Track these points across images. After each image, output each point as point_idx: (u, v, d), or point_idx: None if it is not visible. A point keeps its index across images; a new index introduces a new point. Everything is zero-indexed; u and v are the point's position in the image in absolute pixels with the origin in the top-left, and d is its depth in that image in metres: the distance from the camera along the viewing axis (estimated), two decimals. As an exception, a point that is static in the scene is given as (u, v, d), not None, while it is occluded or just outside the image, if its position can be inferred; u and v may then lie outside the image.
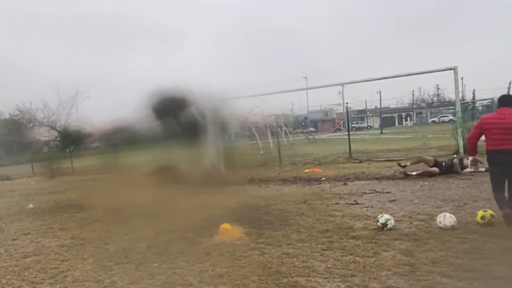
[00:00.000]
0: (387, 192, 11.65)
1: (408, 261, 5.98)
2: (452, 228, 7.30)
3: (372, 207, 9.86)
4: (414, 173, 14.12)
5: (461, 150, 16.65)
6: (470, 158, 8.38)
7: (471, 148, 8.16)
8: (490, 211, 7.48)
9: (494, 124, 7.48)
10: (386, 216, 7.91)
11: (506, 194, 7.55)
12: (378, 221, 7.85)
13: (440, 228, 7.41)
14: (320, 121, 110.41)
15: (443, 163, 14.02)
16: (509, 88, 71.61)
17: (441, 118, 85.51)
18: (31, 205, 14.20)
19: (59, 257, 7.74)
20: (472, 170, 13.96)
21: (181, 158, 14.11)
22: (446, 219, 7.45)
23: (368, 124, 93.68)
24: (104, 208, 12.05)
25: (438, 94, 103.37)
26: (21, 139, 53.14)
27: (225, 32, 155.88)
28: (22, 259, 7.78)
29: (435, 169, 13.82)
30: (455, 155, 17.67)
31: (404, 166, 14.73)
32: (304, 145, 40.90)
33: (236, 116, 50.85)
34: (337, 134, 64.93)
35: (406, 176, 14.11)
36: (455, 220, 7.44)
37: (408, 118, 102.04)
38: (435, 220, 7.75)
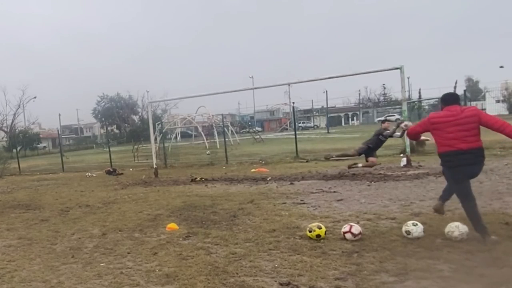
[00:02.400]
0: (334, 192, 11.68)
1: (355, 260, 5.95)
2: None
3: (319, 207, 9.85)
4: (360, 165, 14.36)
5: (408, 149, 16.85)
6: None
7: (414, 137, 7.60)
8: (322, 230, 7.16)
9: (448, 122, 6.44)
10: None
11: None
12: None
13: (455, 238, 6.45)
14: (266, 120, 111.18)
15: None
16: (455, 87, 73.58)
17: (387, 117, 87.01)
18: (-23, 206, 13.76)
19: (6, 257, 7.65)
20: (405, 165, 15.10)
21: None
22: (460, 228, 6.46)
23: (315, 124, 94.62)
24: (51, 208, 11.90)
25: (384, 94, 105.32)
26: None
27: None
28: (-32, 260, 7.56)
29: (373, 160, 14.13)
30: (401, 154, 17.96)
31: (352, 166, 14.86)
32: (251, 145, 41.03)
33: (182, 116, 50.83)
34: (283, 133, 65.38)
35: (350, 168, 14.50)
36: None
37: (355, 118, 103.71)
38: (384, 219, 7.81)
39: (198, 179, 16.70)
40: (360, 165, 14.48)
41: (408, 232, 6.75)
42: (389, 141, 14.29)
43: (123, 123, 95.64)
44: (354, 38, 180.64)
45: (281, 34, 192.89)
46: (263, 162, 22.22)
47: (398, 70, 16.09)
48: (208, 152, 31.47)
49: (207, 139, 43.54)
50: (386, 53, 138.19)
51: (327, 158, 15.57)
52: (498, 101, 65.54)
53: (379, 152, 14.93)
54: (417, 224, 6.83)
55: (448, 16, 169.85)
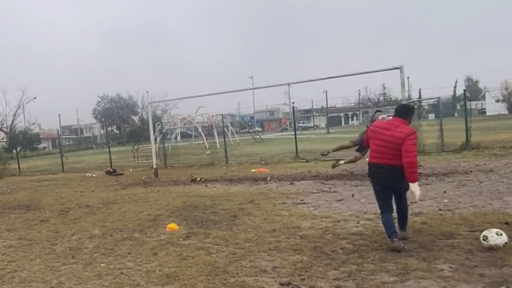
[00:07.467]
0: (334, 192, 11.67)
1: (355, 260, 5.95)
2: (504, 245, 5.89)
3: (319, 207, 9.84)
4: (342, 161, 13.77)
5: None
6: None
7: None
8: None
9: (377, 134, 6.62)
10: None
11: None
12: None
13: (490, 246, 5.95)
14: (266, 120, 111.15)
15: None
16: (455, 87, 73.43)
17: (387, 117, 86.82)
18: (-23, 207, 13.75)
19: (6, 258, 7.64)
20: None
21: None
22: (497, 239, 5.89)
23: (315, 124, 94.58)
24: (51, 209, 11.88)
25: (384, 93, 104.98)
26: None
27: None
28: (-32, 260, 7.57)
29: (357, 154, 13.27)
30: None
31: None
32: (251, 145, 40.98)
33: (181, 116, 50.81)
34: (283, 133, 65.37)
35: (334, 167, 13.87)
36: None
37: (355, 118, 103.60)
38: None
39: (198, 179, 16.69)
40: (342, 161, 13.81)
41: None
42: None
43: (123, 123, 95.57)
44: (355, 37, 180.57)
45: (280, 35, 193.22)
46: (263, 162, 22.19)
47: (398, 70, 16.04)
48: (208, 152, 31.43)
49: (207, 139, 43.51)
50: (386, 53, 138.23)
51: (323, 154, 15.21)
52: (498, 101, 65.28)
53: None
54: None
55: (448, 16, 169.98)
